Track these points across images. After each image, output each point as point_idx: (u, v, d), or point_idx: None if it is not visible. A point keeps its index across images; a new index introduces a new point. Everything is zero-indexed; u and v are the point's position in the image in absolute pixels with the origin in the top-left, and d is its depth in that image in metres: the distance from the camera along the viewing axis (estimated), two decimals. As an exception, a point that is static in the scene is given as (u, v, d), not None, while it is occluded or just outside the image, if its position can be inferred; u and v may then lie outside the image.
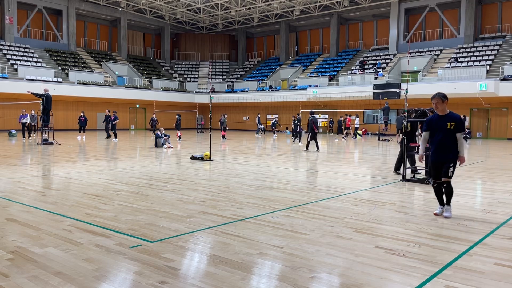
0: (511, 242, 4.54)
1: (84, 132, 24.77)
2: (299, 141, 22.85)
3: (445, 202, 5.77)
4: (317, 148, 17.38)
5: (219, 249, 4.14)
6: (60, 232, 4.70)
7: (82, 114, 25.06)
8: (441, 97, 5.71)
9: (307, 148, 17.51)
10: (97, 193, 7.19)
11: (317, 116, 32.23)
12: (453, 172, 5.67)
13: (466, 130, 24.61)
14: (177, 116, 26.98)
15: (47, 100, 19.00)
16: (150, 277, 3.40)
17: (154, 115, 29.90)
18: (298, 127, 23.90)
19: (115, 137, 23.52)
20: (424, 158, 6.17)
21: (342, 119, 31.61)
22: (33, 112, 23.70)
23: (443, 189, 5.74)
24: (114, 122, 24.16)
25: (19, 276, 3.37)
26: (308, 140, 17.61)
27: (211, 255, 3.99)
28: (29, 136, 23.62)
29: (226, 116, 30.82)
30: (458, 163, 5.67)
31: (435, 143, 5.74)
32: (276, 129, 32.66)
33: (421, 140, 6.06)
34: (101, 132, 34.34)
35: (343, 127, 30.28)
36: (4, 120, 30.89)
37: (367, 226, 5.13)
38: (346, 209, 6.10)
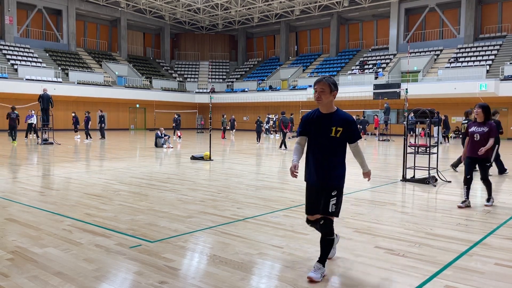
0: (511, 242, 4.54)
1: (76, 131, 24.84)
2: (258, 141, 22.84)
3: (318, 260, 3.53)
4: (281, 146, 18.36)
5: (219, 249, 4.14)
6: (60, 232, 4.70)
7: (73, 114, 25.20)
8: (329, 83, 3.43)
9: (281, 146, 18.44)
10: (97, 193, 7.19)
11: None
12: (337, 206, 3.53)
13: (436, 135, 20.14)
14: (176, 116, 26.84)
15: (43, 100, 19.04)
16: (150, 277, 3.40)
17: (176, 115, 27.44)
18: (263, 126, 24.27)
19: (87, 137, 22.87)
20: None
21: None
22: (32, 112, 23.67)
23: (320, 230, 3.59)
24: (88, 122, 23.57)
25: (19, 276, 3.37)
26: (283, 139, 18.63)
27: (211, 255, 3.99)
28: (26, 136, 23.58)
29: (225, 116, 30.81)
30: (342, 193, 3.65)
31: (312, 157, 3.56)
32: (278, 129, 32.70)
33: (293, 149, 3.70)
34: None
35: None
36: (4, 120, 30.87)
37: (367, 226, 5.12)
38: (346, 209, 6.10)
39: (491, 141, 6.32)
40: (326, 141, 3.46)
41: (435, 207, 6.53)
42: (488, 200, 6.61)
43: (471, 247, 4.31)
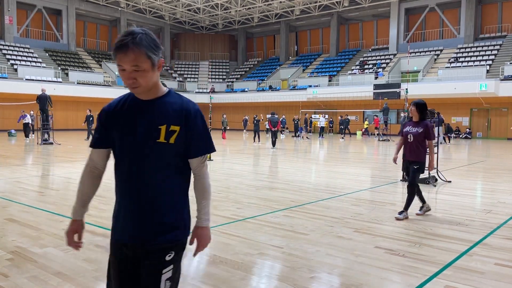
0: (511, 242, 4.54)
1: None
2: (259, 141, 23.02)
3: None
4: (273, 145, 19.02)
5: (219, 249, 4.13)
6: (60, 232, 4.70)
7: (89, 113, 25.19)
8: (145, 50, 1.69)
9: (273, 145, 19.10)
10: (97, 193, 7.17)
11: (317, 116, 32.31)
12: (172, 285, 1.95)
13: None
14: None
15: (40, 100, 19.08)
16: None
17: None
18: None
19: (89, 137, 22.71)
20: None
21: (342, 118, 31.88)
22: (31, 112, 23.65)
23: None
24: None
25: (19, 276, 3.37)
26: (272, 138, 19.32)
27: (211, 255, 3.99)
28: (27, 136, 23.55)
29: (225, 116, 30.87)
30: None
31: (122, 186, 1.94)
32: (284, 129, 32.87)
33: (79, 180, 2.08)
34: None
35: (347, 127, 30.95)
36: (4, 120, 30.87)
37: (367, 226, 5.12)
38: (346, 209, 6.10)
39: (430, 145, 5.64)
40: (150, 153, 1.80)
41: (435, 207, 6.53)
42: (401, 212, 5.59)
43: (471, 247, 4.30)
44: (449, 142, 23.67)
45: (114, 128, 1.86)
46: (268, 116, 20.34)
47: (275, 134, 19.44)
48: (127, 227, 1.85)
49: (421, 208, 5.79)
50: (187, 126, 1.83)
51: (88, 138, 23.08)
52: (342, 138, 28.22)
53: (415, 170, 5.60)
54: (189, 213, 2.02)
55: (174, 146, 1.82)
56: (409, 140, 5.68)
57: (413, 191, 5.65)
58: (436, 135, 20.02)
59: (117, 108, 1.88)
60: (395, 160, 5.96)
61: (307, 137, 28.33)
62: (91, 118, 23.37)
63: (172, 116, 1.81)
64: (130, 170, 1.84)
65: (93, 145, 1.94)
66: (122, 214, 1.88)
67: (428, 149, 5.72)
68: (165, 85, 1.91)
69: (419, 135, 5.60)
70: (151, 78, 1.76)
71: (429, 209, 5.85)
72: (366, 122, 32.66)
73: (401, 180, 8.96)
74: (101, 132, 1.91)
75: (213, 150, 1.96)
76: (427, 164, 5.78)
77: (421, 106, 5.68)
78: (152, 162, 1.82)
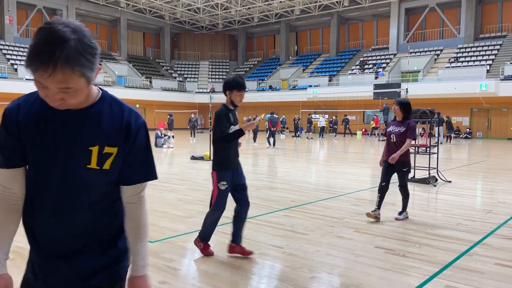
0: (511, 242, 4.54)
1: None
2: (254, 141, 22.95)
3: None
4: (269, 144, 19.49)
5: (219, 249, 4.13)
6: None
7: (169, 116, 26.24)
8: (77, 57, 1.16)
9: (269, 143, 19.51)
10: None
11: (317, 116, 32.31)
12: None
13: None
14: (168, 116, 26.62)
15: None
16: (149, 277, 3.40)
17: (193, 115, 26.26)
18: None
19: None
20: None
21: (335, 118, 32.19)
22: None
23: None
24: None
25: (20, 276, 3.36)
26: (267, 137, 19.94)
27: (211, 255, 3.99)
28: None
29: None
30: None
31: (40, 222, 1.39)
32: (284, 129, 32.90)
33: None
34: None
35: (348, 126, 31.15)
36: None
37: (367, 226, 5.12)
38: (346, 209, 6.10)
39: (407, 143, 5.41)
40: (76, 182, 1.35)
41: (435, 207, 6.53)
42: (400, 213, 5.58)
43: (471, 247, 4.30)
44: (450, 142, 23.66)
45: (28, 142, 1.33)
46: (268, 116, 20.58)
47: (274, 134, 19.71)
48: (50, 272, 1.44)
49: (401, 213, 5.58)
50: (127, 146, 1.37)
51: None
52: (335, 137, 28.36)
53: (402, 172, 5.50)
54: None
55: (110, 173, 1.36)
56: (392, 140, 5.50)
57: (407, 191, 5.58)
58: (436, 135, 20.15)
59: (30, 114, 1.33)
60: (381, 164, 5.74)
61: (311, 137, 28.39)
62: None
63: (107, 133, 1.34)
64: (47, 205, 1.35)
65: (3, 164, 1.34)
66: (39, 261, 1.48)
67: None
68: (98, 87, 1.39)
69: (401, 135, 5.43)
70: (85, 93, 1.27)
71: (407, 217, 5.58)
72: (372, 123, 32.48)
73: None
74: (12, 144, 1.33)
75: (155, 177, 1.48)
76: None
77: (405, 105, 5.51)
78: (80, 196, 1.35)
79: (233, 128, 3.86)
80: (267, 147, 19.14)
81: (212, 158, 3.98)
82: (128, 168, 1.40)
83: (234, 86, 3.81)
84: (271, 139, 19.67)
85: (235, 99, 3.85)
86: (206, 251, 3.95)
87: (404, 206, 5.58)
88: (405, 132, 5.42)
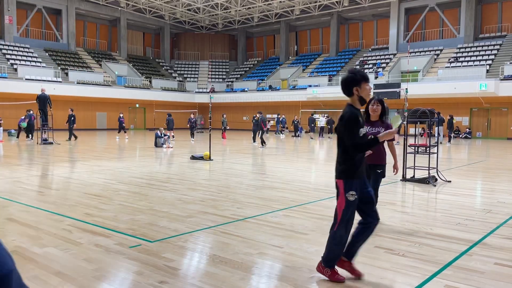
0: (511, 242, 4.54)
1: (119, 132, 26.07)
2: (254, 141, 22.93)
3: None
4: (262, 143, 19.47)
5: (219, 249, 4.13)
6: (60, 232, 4.70)
7: (121, 115, 26.36)
8: None
9: (262, 144, 19.50)
10: (96, 193, 7.19)
11: (317, 116, 32.30)
12: None
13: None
14: (167, 116, 26.52)
15: (40, 100, 19.07)
16: (149, 277, 3.40)
17: (192, 115, 26.32)
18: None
19: (17, 136, 22.92)
20: None
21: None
22: (31, 112, 23.60)
23: None
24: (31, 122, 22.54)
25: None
26: (260, 137, 20.10)
27: (211, 255, 3.99)
28: (30, 136, 23.44)
29: (225, 115, 30.90)
30: None
31: None
32: (284, 129, 32.89)
33: None
34: (101, 132, 34.40)
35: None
36: (4, 120, 30.84)
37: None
38: (346, 209, 6.09)
39: (390, 145, 5.24)
40: None
41: (435, 207, 6.53)
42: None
43: (471, 247, 4.30)
44: (450, 141, 23.65)
45: None
46: (260, 116, 21.14)
47: (264, 133, 20.56)
48: None
49: None
50: None
51: (69, 139, 22.07)
52: (329, 137, 28.29)
53: (379, 174, 5.11)
54: None
55: None
56: None
57: (376, 195, 5.10)
58: (436, 135, 20.15)
59: None
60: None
61: (311, 137, 28.40)
62: (72, 118, 22.40)
63: None
64: None
65: None
66: None
67: (390, 151, 5.28)
68: None
69: None
70: None
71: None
72: None
73: (400, 180, 8.97)
74: None
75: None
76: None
77: (383, 104, 5.21)
78: None
79: (362, 132, 3.40)
80: (260, 147, 19.08)
81: (336, 163, 3.48)
82: None
83: (360, 79, 3.42)
84: (262, 139, 20.02)
85: (365, 93, 3.44)
86: (334, 277, 3.41)
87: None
88: None
